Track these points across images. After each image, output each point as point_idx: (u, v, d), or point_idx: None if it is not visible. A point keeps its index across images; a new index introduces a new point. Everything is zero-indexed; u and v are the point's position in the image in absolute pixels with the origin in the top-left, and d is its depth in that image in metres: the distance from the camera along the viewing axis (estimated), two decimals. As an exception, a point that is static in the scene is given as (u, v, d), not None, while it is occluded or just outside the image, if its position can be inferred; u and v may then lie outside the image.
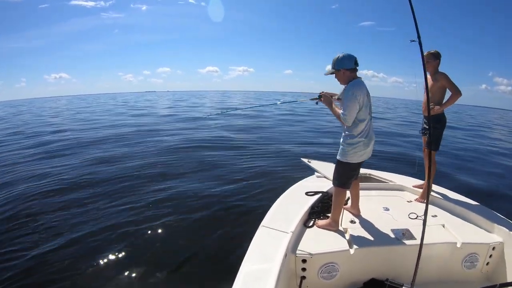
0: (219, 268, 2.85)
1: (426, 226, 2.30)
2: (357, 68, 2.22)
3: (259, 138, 10.20)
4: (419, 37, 1.52)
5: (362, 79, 2.25)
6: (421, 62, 1.62)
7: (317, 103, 2.44)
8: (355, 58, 2.21)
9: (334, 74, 2.28)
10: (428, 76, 2.99)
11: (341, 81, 2.27)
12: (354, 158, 2.25)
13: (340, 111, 2.21)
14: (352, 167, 2.30)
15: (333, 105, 2.35)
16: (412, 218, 2.48)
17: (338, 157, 2.31)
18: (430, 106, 2.84)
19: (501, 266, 2.19)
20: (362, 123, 2.20)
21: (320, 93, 2.43)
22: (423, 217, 2.57)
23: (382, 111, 29.67)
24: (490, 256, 2.20)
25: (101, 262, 2.98)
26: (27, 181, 5.54)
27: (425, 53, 2.93)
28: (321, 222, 2.38)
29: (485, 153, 9.59)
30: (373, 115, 2.33)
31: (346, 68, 2.19)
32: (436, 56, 2.90)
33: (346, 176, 2.32)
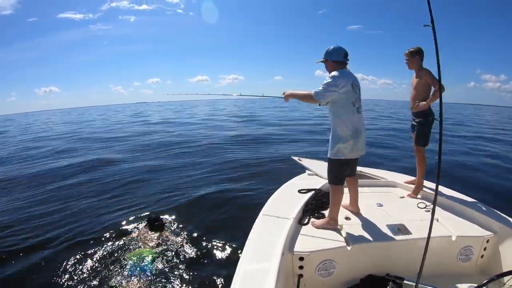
0: (217, 268, 2.80)
1: (420, 221, 2.30)
2: (347, 61, 2.26)
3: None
4: (432, 21, 1.44)
5: (350, 71, 2.27)
6: (434, 47, 1.48)
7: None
8: (345, 51, 2.25)
9: (325, 64, 2.33)
10: (414, 75, 3.04)
11: (328, 70, 2.30)
12: (344, 154, 2.21)
13: (314, 90, 2.17)
14: (342, 162, 2.26)
15: (294, 94, 2.34)
16: (407, 214, 2.48)
17: (328, 155, 2.30)
18: (416, 103, 2.88)
19: (495, 259, 2.20)
20: (346, 117, 2.18)
21: (283, 94, 2.42)
22: (417, 212, 2.57)
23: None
24: (485, 249, 2.21)
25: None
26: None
27: (405, 52, 2.95)
28: (318, 221, 2.32)
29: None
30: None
31: (333, 60, 2.25)
32: (414, 53, 2.88)
33: (338, 172, 2.29)
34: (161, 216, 3.85)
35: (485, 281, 1.43)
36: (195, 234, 3.55)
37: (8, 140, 15.44)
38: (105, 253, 3.16)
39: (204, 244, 3.29)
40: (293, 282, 1.98)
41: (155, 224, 3.54)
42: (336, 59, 2.24)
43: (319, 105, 2.25)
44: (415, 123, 3.04)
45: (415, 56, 2.89)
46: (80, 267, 2.95)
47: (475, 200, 2.69)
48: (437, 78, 2.83)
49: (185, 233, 3.60)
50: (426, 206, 2.66)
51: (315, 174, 3.43)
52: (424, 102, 2.87)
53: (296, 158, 4.16)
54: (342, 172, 2.32)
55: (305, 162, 3.96)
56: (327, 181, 3.03)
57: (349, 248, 2.03)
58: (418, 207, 2.67)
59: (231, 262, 1.68)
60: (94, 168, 7.24)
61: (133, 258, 2.95)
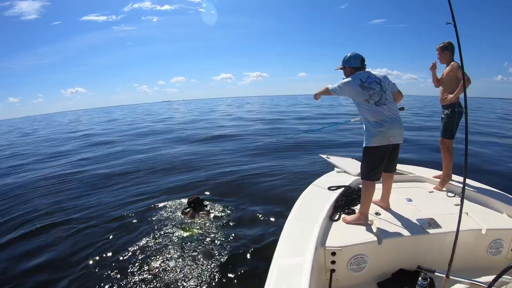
0: (251, 264, 2.94)
1: (450, 215, 2.33)
2: (364, 66, 2.44)
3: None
4: (453, 18, 1.49)
5: (365, 72, 2.39)
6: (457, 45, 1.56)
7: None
8: (362, 57, 2.43)
9: (343, 70, 2.53)
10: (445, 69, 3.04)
11: (345, 76, 2.50)
12: (371, 141, 2.29)
13: (331, 86, 2.54)
14: (373, 152, 2.31)
15: (319, 92, 2.76)
16: (436, 208, 2.49)
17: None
18: (444, 96, 2.90)
19: None
20: (365, 112, 2.32)
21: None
22: (446, 206, 2.58)
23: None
24: None
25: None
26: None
27: (436, 47, 3.00)
28: (349, 217, 2.39)
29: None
30: None
31: (351, 66, 2.45)
32: (444, 48, 2.96)
33: (370, 165, 2.34)
34: (202, 197, 4.35)
35: (502, 270, 1.42)
36: (234, 218, 3.97)
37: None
38: (151, 230, 3.67)
39: (241, 229, 3.62)
40: (325, 277, 2.02)
41: (198, 205, 4.04)
42: (354, 66, 2.43)
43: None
44: (443, 116, 3.06)
45: (444, 51, 2.97)
46: (129, 243, 3.40)
47: (503, 193, 2.64)
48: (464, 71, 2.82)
49: (225, 216, 4.02)
50: (454, 194, 2.70)
51: (344, 171, 3.47)
52: (452, 95, 2.90)
53: (324, 156, 4.21)
54: (373, 166, 2.35)
55: (333, 159, 4.02)
56: (356, 178, 3.12)
57: (380, 242, 2.05)
58: (447, 201, 2.68)
59: (265, 253, 1.79)
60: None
61: (176, 237, 3.38)
